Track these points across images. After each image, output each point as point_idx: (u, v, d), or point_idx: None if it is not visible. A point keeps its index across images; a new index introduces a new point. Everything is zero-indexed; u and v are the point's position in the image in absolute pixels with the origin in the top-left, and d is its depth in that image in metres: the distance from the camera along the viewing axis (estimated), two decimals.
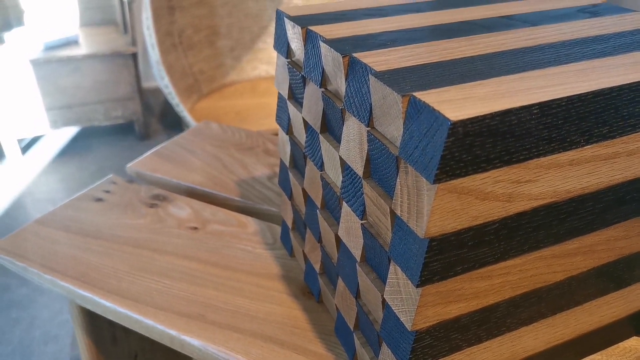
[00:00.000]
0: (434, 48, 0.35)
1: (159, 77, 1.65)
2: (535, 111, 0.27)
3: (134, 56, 1.81)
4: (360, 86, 0.33)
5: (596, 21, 0.40)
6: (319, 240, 0.47)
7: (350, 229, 0.39)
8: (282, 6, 2.13)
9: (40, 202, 1.62)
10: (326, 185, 0.42)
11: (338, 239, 0.42)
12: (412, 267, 0.30)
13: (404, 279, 0.32)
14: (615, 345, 0.46)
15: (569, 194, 0.32)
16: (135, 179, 0.74)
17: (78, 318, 0.60)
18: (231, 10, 2.06)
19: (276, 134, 1.60)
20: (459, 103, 0.27)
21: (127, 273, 0.54)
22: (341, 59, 0.34)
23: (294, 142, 0.48)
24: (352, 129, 0.35)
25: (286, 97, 0.46)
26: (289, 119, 0.48)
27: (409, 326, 0.32)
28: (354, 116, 0.34)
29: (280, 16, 0.44)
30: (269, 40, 2.16)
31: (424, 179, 0.27)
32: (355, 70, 0.33)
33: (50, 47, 1.76)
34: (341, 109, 0.36)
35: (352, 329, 0.43)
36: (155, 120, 2.13)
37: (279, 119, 0.50)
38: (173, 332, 0.48)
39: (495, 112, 0.26)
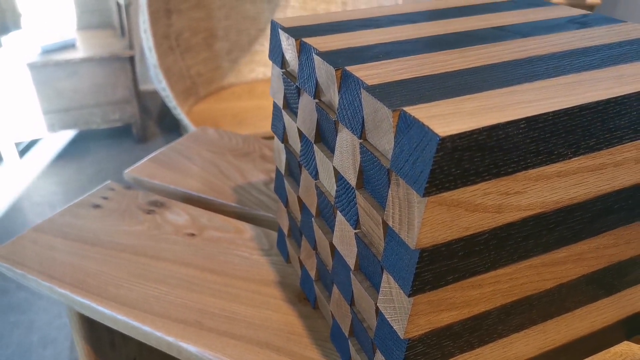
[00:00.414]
0: (426, 61, 0.36)
1: (157, 80, 1.66)
2: (523, 125, 0.28)
3: (131, 59, 1.82)
4: (352, 99, 0.33)
5: (585, 32, 0.41)
6: (315, 247, 0.47)
7: (344, 238, 0.39)
8: (279, 10, 2.13)
9: (38, 205, 1.63)
10: (321, 194, 0.42)
11: (333, 247, 0.43)
12: (404, 277, 0.31)
13: (397, 288, 0.32)
14: (607, 350, 0.47)
15: (557, 205, 0.32)
16: (133, 185, 0.75)
17: (76, 324, 0.60)
18: (228, 13, 2.07)
19: (273, 137, 1.61)
20: (448, 118, 0.28)
21: (125, 280, 0.55)
22: (334, 72, 0.35)
23: (289, 151, 0.48)
24: (346, 141, 0.36)
25: (281, 107, 0.47)
26: (284, 128, 0.48)
27: (401, 334, 0.33)
28: (347, 128, 0.35)
29: (275, 27, 0.44)
30: (266, 42, 2.17)
31: (415, 192, 0.28)
32: (347, 84, 0.34)
33: (48, 51, 1.76)
34: (334, 120, 0.37)
35: (347, 336, 0.44)
36: (153, 123, 2.13)
37: (274, 127, 0.50)
38: (170, 339, 0.48)
39: (483, 127, 0.27)
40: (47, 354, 1.13)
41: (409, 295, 0.31)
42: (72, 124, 1.85)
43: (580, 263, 0.38)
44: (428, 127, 0.26)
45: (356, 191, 0.35)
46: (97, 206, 0.67)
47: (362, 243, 0.36)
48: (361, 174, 0.35)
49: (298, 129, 0.44)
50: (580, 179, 0.32)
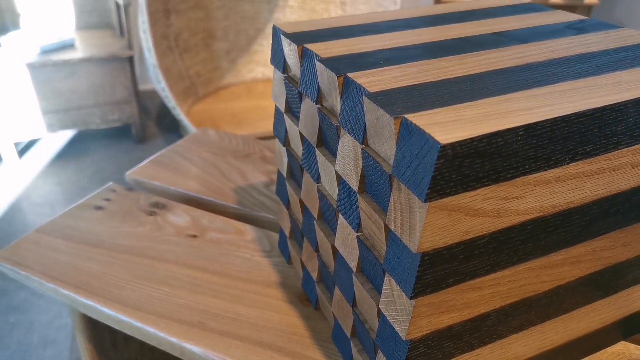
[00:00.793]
0: (426, 67, 0.36)
1: (156, 80, 1.66)
2: (521, 132, 0.29)
3: (131, 59, 1.82)
4: (354, 105, 0.34)
5: (583, 38, 0.41)
6: (316, 249, 0.48)
7: (346, 241, 0.40)
8: (277, 10, 2.14)
9: (37, 205, 1.63)
10: (322, 197, 0.43)
11: (335, 249, 0.44)
12: (406, 280, 0.32)
13: (398, 290, 0.33)
14: (604, 350, 0.48)
15: (555, 209, 0.33)
16: (135, 186, 0.76)
17: (79, 325, 0.61)
18: (227, 13, 2.07)
19: (272, 137, 1.61)
20: (449, 125, 0.28)
21: (128, 281, 0.55)
22: (336, 79, 0.35)
23: (291, 154, 0.49)
24: (348, 146, 0.36)
25: (283, 111, 0.48)
26: (286, 132, 0.49)
27: (403, 335, 0.34)
28: (349, 133, 0.35)
29: (276, 32, 0.45)
30: (264, 42, 2.17)
31: (416, 197, 0.29)
32: (349, 90, 0.34)
33: (47, 51, 1.77)
34: (336, 125, 0.37)
35: (349, 337, 0.44)
36: (152, 123, 2.14)
37: (276, 130, 0.51)
38: (173, 340, 0.49)
39: (483, 135, 0.27)
40: (47, 355, 1.14)
41: (411, 298, 0.32)
42: (71, 124, 1.85)
43: (577, 265, 0.38)
44: (429, 135, 0.27)
45: (358, 195, 0.36)
46: (99, 208, 0.67)
47: (364, 246, 0.37)
48: (363, 178, 0.35)
49: (300, 133, 0.45)
50: (578, 183, 0.33)
